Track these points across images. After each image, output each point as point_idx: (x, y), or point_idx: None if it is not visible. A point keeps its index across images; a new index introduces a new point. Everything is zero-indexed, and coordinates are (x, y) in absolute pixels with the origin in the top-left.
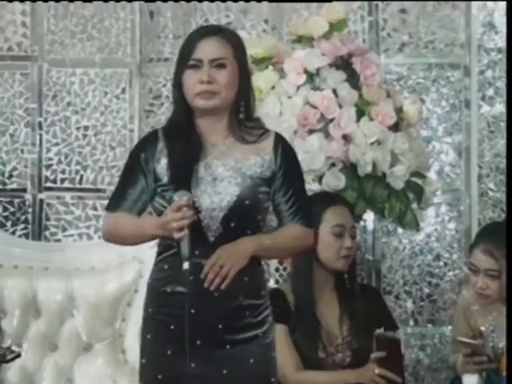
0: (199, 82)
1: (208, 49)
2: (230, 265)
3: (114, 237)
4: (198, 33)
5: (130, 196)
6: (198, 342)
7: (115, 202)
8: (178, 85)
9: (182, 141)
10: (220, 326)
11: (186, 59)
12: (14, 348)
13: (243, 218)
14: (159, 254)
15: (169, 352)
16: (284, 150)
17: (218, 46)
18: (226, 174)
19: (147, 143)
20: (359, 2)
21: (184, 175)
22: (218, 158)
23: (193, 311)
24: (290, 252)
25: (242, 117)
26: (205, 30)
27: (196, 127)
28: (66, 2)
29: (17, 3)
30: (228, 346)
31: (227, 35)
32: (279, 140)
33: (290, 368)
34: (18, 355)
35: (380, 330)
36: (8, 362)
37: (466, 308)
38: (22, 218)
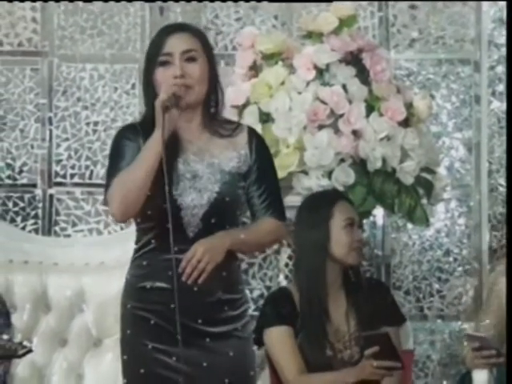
0: (172, 78)
1: (178, 42)
2: (208, 259)
3: (124, 194)
4: (164, 30)
5: (123, 165)
6: (178, 336)
7: (110, 176)
8: (149, 84)
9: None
10: (200, 321)
11: (155, 56)
12: (25, 343)
13: (223, 214)
14: (137, 250)
15: (150, 347)
16: (258, 144)
17: (186, 38)
18: (206, 171)
19: (130, 133)
20: None
21: (162, 173)
22: (196, 154)
23: (172, 306)
24: (265, 246)
25: (214, 111)
26: (171, 27)
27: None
28: None
29: None
30: (208, 339)
31: (193, 30)
32: (253, 134)
33: (293, 371)
34: (30, 350)
35: (366, 332)
36: (19, 357)
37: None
38: (32, 213)
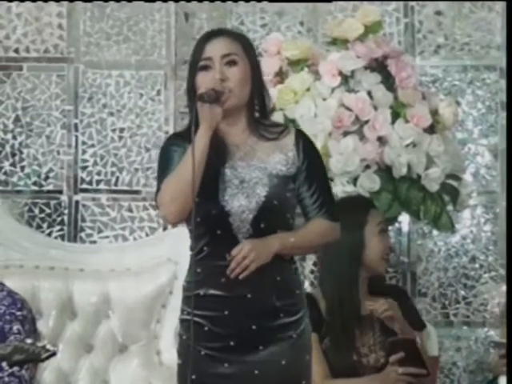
0: (212, 81)
1: (217, 47)
2: (253, 257)
3: (174, 194)
4: (205, 36)
5: (172, 169)
6: (232, 343)
7: (160, 181)
8: (191, 89)
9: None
10: (254, 327)
11: (196, 61)
12: (48, 347)
13: (273, 218)
14: (192, 257)
15: (203, 353)
16: (305, 145)
17: (226, 43)
18: (253, 175)
19: (176, 140)
20: (394, 4)
21: (211, 179)
22: (243, 159)
23: (226, 313)
24: (317, 247)
25: (258, 116)
26: (211, 32)
27: (217, 130)
28: (102, 4)
29: (53, 5)
30: (261, 347)
31: (234, 35)
32: (300, 135)
33: (317, 378)
34: (54, 354)
35: (392, 338)
36: (43, 360)
37: None
38: (58, 219)
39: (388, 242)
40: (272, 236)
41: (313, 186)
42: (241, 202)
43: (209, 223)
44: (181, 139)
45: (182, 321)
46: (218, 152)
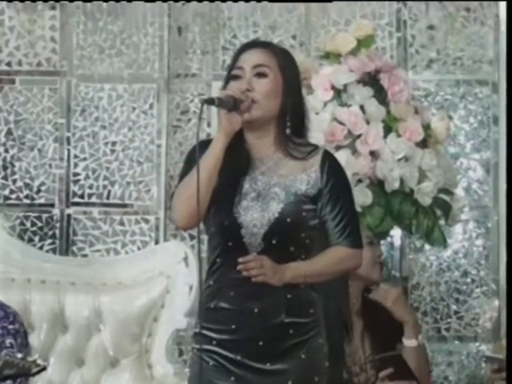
0: (240, 90)
1: (249, 57)
2: (262, 272)
3: (186, 199)
4: (244, 45)
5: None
6: (239, 357)
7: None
8: None
9: (230, 155)
10: (260, 343)
11: (229, 71)
12: (39, 361)
13: (285, 235)
14: (208, 270)
15: (211, 363)
16: (331, 167)
17: (260, 53)
18: (271, 190)
19: (203, 147)
20: (387, 19)
21: (228, 189)
22: (264, 174)
23: (233, 327)
24: (336, 275)
25: (289, 132)
26: (251, 42)
27: (244, 142)
28: (95, 17)
29: (46, 18)
30: (268, 364)
31: (273, 48)
32: (327, 157)
33: None
34: (44, 368)
35: (381, 354)
36: (34, 375)
37: None
38: (50, 232)
39: (378, 249)
40: (286, 265)
41: (335, 210)
42: (254, 215)
43: (222, 234)
44: (207, 146)
45: (194, 334)
46: (241, 163)
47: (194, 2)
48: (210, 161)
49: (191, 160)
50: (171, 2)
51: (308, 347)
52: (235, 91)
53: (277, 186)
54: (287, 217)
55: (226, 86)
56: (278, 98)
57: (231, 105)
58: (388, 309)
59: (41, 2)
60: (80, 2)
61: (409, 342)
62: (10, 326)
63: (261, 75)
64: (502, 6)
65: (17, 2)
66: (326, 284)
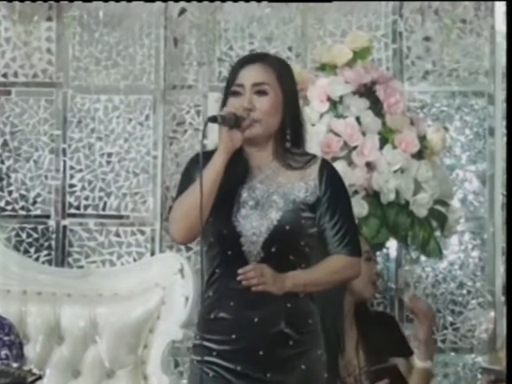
0: (240, 109)
1: (250, 74)
2: (262, 281)
3: (183, 215)
4: (242, 60)
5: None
6: (239, 368)
7: (175, 199)
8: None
9: (228, 163)
10: (261, 353)
11: (229, 86)
12: (34, 371)
13: (284, 243)
14: (207, 281)
15: (210, 375)
16: (329, 176)
17: (260, 71)
18: (270, 199)
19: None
20: (383, 30)
21: (227, 198)
22: (262, 182)
23: (233, 337)
24: (335, 284)
25: (289, 146)
26: (249, 57)
27: (243, 152)
28: (91, 28)
29: (42, 29)
30: (269, 375)
31: (271, 61)
32: (325, 166)
33: None
34: (40, 377)
35: (376, 366)
36: None
37: None
38: (46, 244)
39: (374, 267)
40: (286, 274)
41: (334, 218)
42: (253, 223)
43: (221, 243)
44: (207, 158)
45: (194, 344)
46: (239, 172)
47: (190, 14)
48: (211, 177)
49: (189, 173)
50: (167, 14)
51: (307, 358)
52: (237, 108)
53: (275, 194)
54: (286, 224)
55: (225, 101)
56: (278, 114)
57: (233, 122)
58: (416, 319)
59: (37, 14)
60: (77, 13)
61: (422, 364)
62: (6, 338)
63: (261, 93)
64: (498, 17)
65: (13, 13)
66: (323, 294)
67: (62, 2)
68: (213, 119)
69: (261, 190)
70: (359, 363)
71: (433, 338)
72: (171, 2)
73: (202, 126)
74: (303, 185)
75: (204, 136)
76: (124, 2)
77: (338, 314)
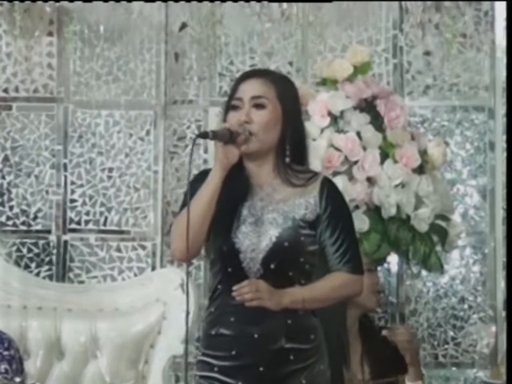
0: (238, 122)
1: (249, 87)
2: (257, 296)
3: (182, 232)
4: (243, 74)
5: None
6: None
7: (176, 216)
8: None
9: (230, 181)
10: (261, 369)
11: (229, 101)
12: None
13: (283, 259)
14: (210, 297)
15: None
16: (330, 193)
17: (259, 84)
18: (269, 216)
19: (203, 176)
20: (384, 45)
21: (227, 215)
22: (263, 200)
23: (234, 353)
24: (336, 301)
25: (289, 161)
26: (250, 72)
27: (244, 169)
28: (92, 43)
29: (43, 44)
30: None
31: (272, 76)
32: (326, 183)
33: None
34: None
35: (377, 380)
36: None
37: None
38: (47, 259)
39: (376, 277)
40: (284, 290)
41: (334, 235)
42: (252, 240)
43: (221, 259)
44: (206, 176)
45: (197, 360)
46: (241, 190)
47: (191, 29)
48: (208, 194)
49: (191, 190)
50: (168, 29)
51: (309, 373)
52: (232, 124)
53: (275, 211)
54: (285, 241)
55: (226, 115)
56: (277, 129)
57: (227, 138)
58: (399, 348)
59: (38, 29)
60: (77, 28)
61: None
62: (5, 352)
63: (259, 106)
64: (498, 32)
65: (14, 29)
66: (325, 308)
67: (62, 18)
68: (203, 135)
69: (261, 207)
70: (364, 377)
71: (419, 359)
72: (172, 17)
73: (191, 144)
74: (303, 202)
75: (193, 153)
76: (124, 17)
77: (341, 326)
